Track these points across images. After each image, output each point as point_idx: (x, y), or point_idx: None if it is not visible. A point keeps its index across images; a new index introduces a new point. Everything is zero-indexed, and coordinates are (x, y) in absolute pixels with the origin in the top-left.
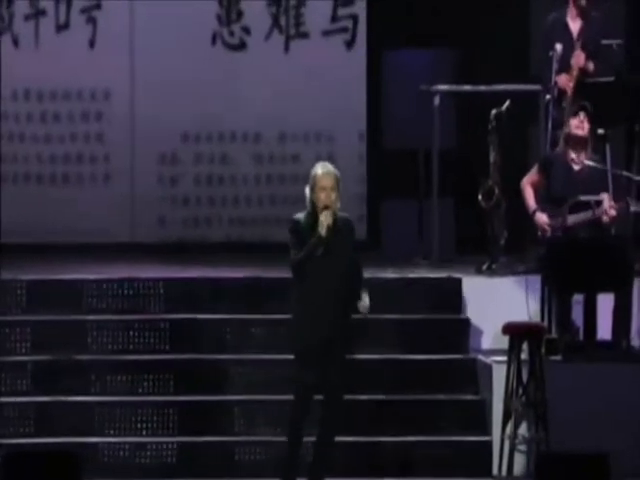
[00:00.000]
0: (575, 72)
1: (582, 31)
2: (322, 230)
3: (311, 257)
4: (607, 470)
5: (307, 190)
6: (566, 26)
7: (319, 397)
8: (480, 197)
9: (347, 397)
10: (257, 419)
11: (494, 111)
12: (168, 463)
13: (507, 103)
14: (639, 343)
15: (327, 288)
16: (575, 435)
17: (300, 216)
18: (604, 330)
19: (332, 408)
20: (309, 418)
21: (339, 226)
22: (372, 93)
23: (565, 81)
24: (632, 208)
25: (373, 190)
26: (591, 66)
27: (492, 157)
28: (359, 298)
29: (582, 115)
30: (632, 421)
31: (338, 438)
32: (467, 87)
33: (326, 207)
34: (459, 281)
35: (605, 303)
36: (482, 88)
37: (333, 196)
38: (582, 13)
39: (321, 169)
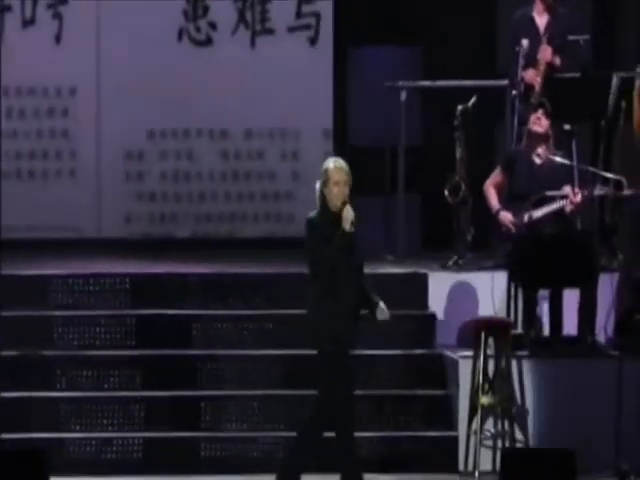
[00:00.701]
0: (542, 67)
1: (549, 26)
2: (346, 225)
3: (336, 253)
4: (573, 466)
5: (317, 185)
6: (532, 21)
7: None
8: (446, 193)
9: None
10: (224, 415)
11: (460, 107)
12: (134, 459)
13: (473, 99)
14: (604, 338)
15: (346, 284)
16: (541, 430)
17: (312, 214)
18: (570, 325)
19: (347, 406)
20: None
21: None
22: (338, 90)
23: (533, 76)
24: (596, 192)
25: None
26: (558, 61)
27: (458, 153)
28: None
29: (540, 112)
30: (598, 416)
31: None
32: (433, 83)
33: (344, 203)
34: (425, 276)
35: (571, 299)
36: (448, 84)
37: (346, 191)
38: (549, 8)
39: (333, 163)
